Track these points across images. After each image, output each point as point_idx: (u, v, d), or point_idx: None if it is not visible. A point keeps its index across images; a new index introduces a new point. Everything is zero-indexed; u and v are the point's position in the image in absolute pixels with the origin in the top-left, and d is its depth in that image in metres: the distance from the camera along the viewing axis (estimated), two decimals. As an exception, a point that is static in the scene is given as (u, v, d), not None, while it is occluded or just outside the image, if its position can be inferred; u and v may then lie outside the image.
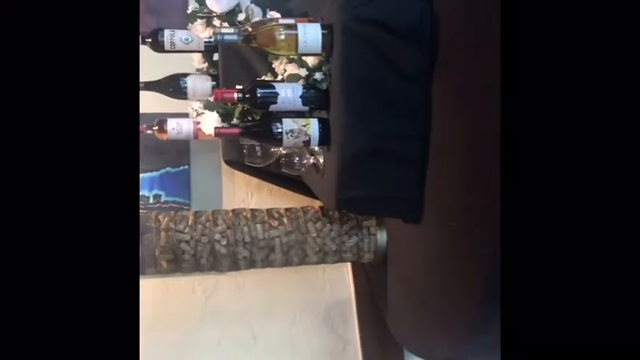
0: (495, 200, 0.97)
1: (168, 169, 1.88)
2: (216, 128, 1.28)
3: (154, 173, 1.87)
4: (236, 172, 1.97)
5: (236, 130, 1.28)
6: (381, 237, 1.59)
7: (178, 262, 1.50)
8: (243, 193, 1.98)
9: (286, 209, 1.59)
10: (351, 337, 1.84)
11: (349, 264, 1.91)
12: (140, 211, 1.68)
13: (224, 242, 1.50)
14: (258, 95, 1.24)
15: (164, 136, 1.61)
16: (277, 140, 1.27)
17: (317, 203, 1.66)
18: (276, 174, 1.65)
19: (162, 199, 1.85)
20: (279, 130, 1.26)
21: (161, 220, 1.51)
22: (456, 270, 1.16)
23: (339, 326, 1.85)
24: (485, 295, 1.09)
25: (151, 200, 1.85)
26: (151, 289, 1.79)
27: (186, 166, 1.90)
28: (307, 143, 1.28)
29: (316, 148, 1.40)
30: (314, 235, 1.56)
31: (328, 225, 1.57)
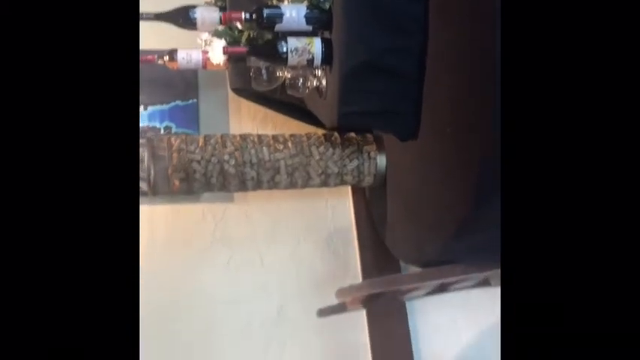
0: (487, 104, 1.06)
1: (177, 102, 1.97)
2: (224, 47, 1.37)
3: (164, 106, 1.96)
4: (242, 107, 2.06)
5: (244, 49, 1.37)
6: (381, 161, 1.68)
7: (190, 182, 1.60)
8: (249, 129, 2.07)
9: (291, 135, 1.68)
10: (351, 259, 1.95)
11: (350, 194, 2.02)
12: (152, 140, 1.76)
13: (232, 162, 1.60)
14: (265, 15, 1.32)
15: (175, 65, 1.70)
16: (282, 59, 1.35)
17: (320, 131, 1.75)
18: (281, 102, 1.74)
19: (173, 130, 1.95)
20: (284, 50, 1.34)
21: (173, 142, 1.61)
22: (451, 177, 1.25)
23: (340, 250, 1.96)
24: (476, 196, 1.19)
25: (162, 132, 1.94)
26: (163, 215, 1.91)
27: (194, 100, 1.99)
28: (311, 62, 1.37)
29: (319, 72, 1.49)
30: (317, 158, 1.65)
31: (331, 149, 1.66)
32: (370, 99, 1.33)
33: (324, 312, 1.54)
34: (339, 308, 1.51)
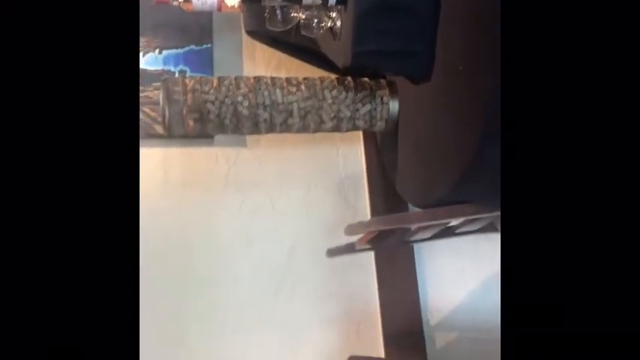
0: (497, 39, 1.06)
1: (192, 46, 1.98)
2: (240, -17, 1.37)
3: (179, 50, 1.97)
4: (257, 53, 2.06)
5: (259, -13, 1.37)
6: (393, 106, 1.69)
7: (204, 122, 1.62)
8: (263, 74, 2.08)
9: (304, 78, 1.69)
10: (361, 206, 1.98)
11: (362, 142, 2.03)
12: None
13: (246, 104, 1.61)
14: (280, -49, 1.32)
15: (189, 7, 1.70)
16: (297, -3, 1.35)
17: (334, 76, 1.75)
18: (295, 45, 1.75)
19: (187, 74, 1.96)
20: (300, -13, 1.34)
21: (188, 83, 1.62)
22: (460, 115, 1.26)
23: (350, 196, 1.99)
24: (483, 135, 1.19)
25: (177, 75, 1.96)
26: (178, 157, 1.94)
27: (209, 45, 2.00)
28: (325, 1, 1.37)
29: (334, 14, 1.49)
30: (329, 101, 1.66)
31: (343, 92, 1.67)
32: (385, 38, 1.33)
33: (332, 252, 1.57)
34: (348, 248, 1.55)
